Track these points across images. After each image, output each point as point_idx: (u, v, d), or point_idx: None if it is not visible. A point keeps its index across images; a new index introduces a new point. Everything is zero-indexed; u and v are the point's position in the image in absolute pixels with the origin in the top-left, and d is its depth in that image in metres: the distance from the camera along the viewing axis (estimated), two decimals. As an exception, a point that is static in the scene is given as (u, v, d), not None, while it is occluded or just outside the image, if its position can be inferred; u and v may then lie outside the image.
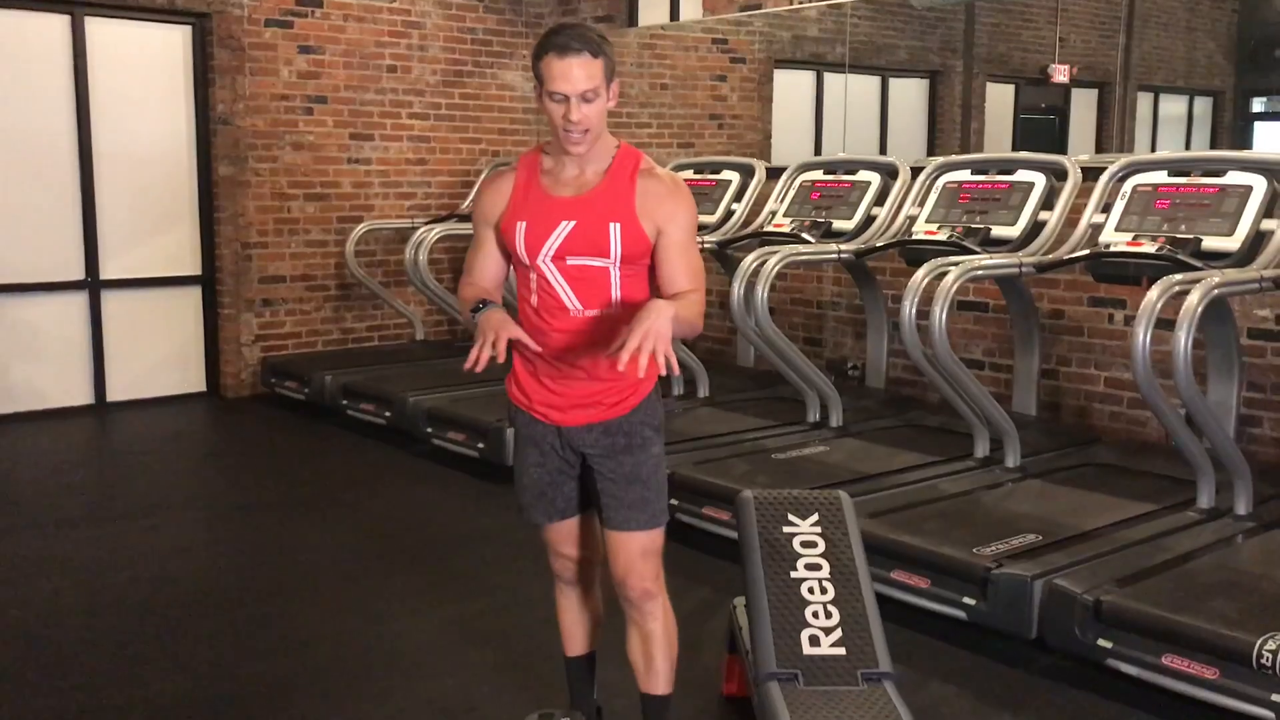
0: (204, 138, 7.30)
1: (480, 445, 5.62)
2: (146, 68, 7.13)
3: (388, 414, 6.34)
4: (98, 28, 6.91)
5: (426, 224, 7.47)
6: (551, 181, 2.58)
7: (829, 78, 10.58)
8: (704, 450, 5.05)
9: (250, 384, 7.49)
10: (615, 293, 2.55)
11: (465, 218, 7.68)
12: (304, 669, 3.54)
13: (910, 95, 11.49)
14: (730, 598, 3.34)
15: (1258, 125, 15.74)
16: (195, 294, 7.44)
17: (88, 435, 6.72)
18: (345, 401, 6.66)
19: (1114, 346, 5.54)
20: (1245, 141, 15.16)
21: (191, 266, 7.40)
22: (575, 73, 2.41)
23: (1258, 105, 15.76)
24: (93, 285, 7.04)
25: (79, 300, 7.02)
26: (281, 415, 7.04)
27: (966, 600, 3.64)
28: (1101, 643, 3.32)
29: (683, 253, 2.54)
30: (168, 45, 7.18)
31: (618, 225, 2.51)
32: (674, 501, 4.62)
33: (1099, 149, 12.82)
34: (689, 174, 6.59)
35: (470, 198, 7.95)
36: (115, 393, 7.18)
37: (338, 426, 6.67)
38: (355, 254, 7.66)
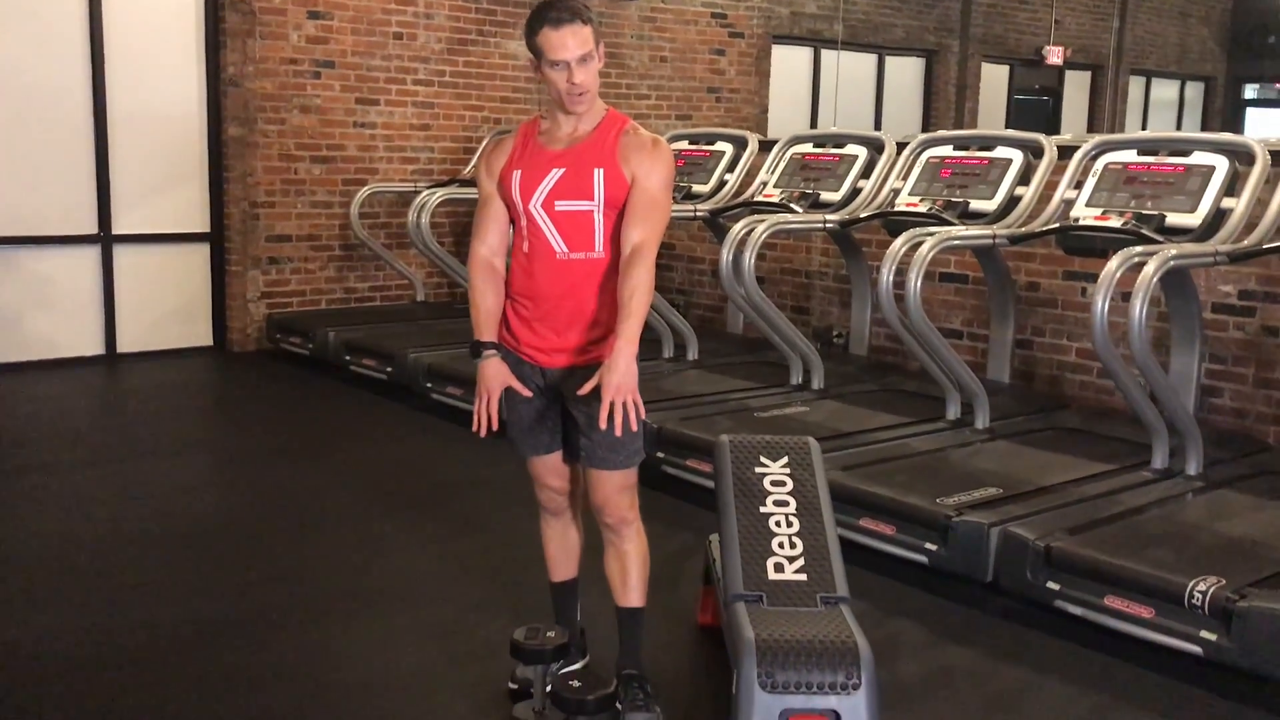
0: (214, 99, 7.51)
1: (477, 400, 5.86)
2: (160, 29, 7.33)
3: (389, 369, 6.58)
4: (113, -11, 7.12)
5: (429, 188, 7.69)
6: (547, 139, 2.87)
7: (826, 54, 10.80)
8: (690, 408, 5.30)
9: (255, 339, 7.73)
10: (598, 236, 2.81)
11: (467, 183, 7.91)
12: (311, 594, 3.80)
13: (906, 74, 11.73)
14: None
15: (1249, 111, 16.01)
16: (204, 251, 7.67)
17: (98, 384, 6.96)
18: (348, 357, 6.90)
19: (1086, 319, 5.77)
20: (1236, 127, 15.39)
21: (201, 224, 7.63)
22: (570, 40, 2.68)
23: (1249, 92, 16.01)
24: (105, 240, 7.27)
25: (92, 254, 7.26)
26: (285, 369, 7.28)
27: (928, 546, 3.90)
28: (1050, 585, 3.59)
29: (649, 204, 2.78)
30: (181, 7, 7.39)
31: (601, 170, 2.79)
32: (660, 454, 4.90)
33: (1090, 131, 13.05)
34: (684, 144, 6.81)
35: (471, 164, 8.17)
36: (125, 344, 7.42)
37: (340, 381, 6.92)
38: (359, 216, 7.88)
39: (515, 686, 3.09)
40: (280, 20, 7.58)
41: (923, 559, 3.93)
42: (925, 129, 11.56)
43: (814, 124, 10.61)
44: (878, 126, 11.23)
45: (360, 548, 4.24)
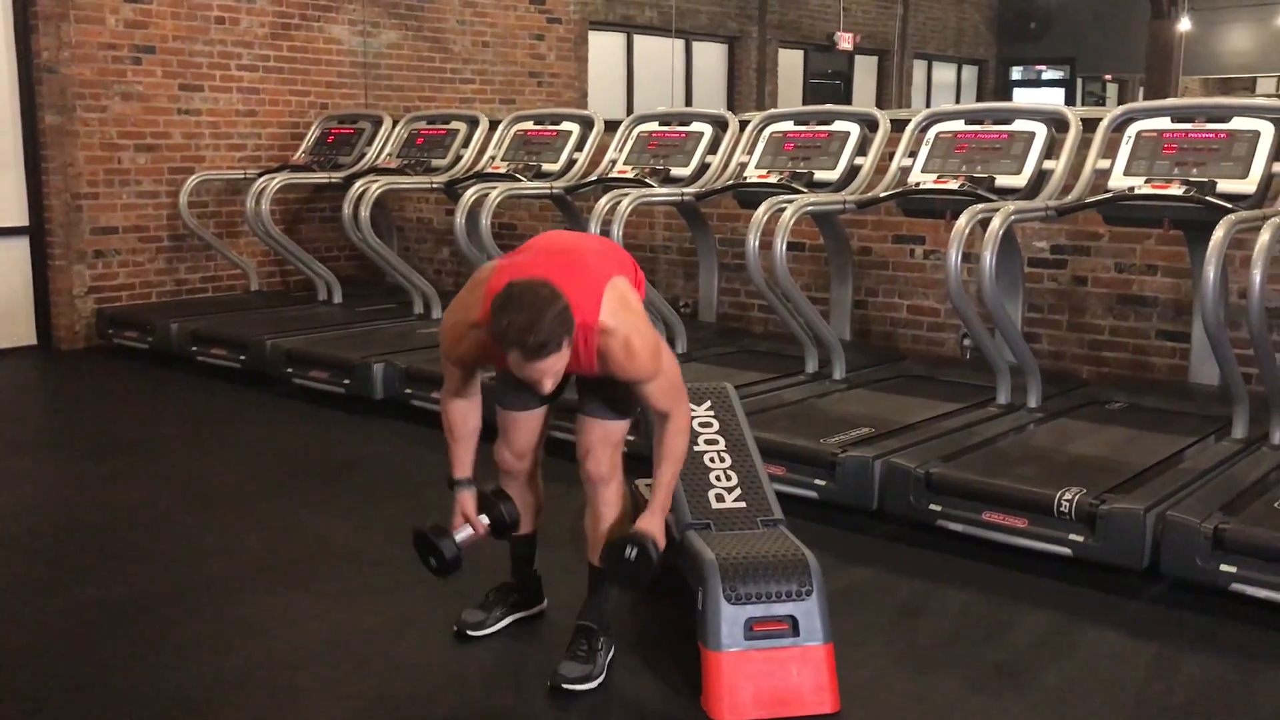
0: (28, 86, 7.17)
1: (346, 381, 5.89)
2: (-35, 12, 6.96)
3: (242, 357, 6.48)
4: (-88, -31, 6.70)
5: (260, 174, 7.58)
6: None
7: (638, 40, 11.15)
8: (566, 375, 5.49)
9: (85, 336, 7.44)
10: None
11: (298, 168, 7.84)
12: (241, 567, 3.80)
13: (711, 59, 12.23)
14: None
15: (1016, 91, 17.41)
16: (23, 245, 7.32)
17: (-82, 389, 6.57)
18: (194, 347, 6.74)
19: (915, 278, 6.30)
20: (1004, 107, 16.65)
21: (19, 217, 7.27)
22: (541, 366, 2.63)
23: (1016, 73, 17.41)
24: (-86, 236, 6.86)
25: (-100, 252, 6.83)
26: (123, 364, 7.04)
27: (818, 482, 4.25)
28: (932, 507, 3.99)
29: (657, 392, 2.85)
30: (-13, -10, 7.03)
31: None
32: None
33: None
34: (530, 124, 6.98)
35: (301, 150, 8.09)
36: (-59, 347, 7.03)
37: (186, 373, 6.75)
38: (188, 205, 7.68)
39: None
40: (96, 4, 7.30)
41: (813, 494, 4.27)
42: (730, 109, 12.09)
43: (630, 107, 10.93)
44: (688, 106, 11.65)
45: (270, 524, 4.24)
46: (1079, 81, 17.60)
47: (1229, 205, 4.29)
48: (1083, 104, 17.39)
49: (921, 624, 3.47)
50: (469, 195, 6.11)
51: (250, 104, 8.15)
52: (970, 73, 16.12)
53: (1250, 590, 3.39)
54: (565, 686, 2.94)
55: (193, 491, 4.65)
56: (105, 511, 4.45)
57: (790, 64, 13.29)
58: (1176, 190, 4.52)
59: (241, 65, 8.07)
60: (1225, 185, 4.47)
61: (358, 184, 6.79)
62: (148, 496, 4.61)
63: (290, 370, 6.21)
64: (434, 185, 7.05)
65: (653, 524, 2.90)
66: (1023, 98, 16.89)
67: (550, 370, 2.66)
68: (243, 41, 8.05)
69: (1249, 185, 4.42)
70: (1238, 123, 4.61)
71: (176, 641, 3.27)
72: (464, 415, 3.06)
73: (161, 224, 7.79)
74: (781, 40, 13.05)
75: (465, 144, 7.31)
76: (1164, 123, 4.78)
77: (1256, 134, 4.51)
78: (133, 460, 5.13)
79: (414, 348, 6.06)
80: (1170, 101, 4.95)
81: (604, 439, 3.02)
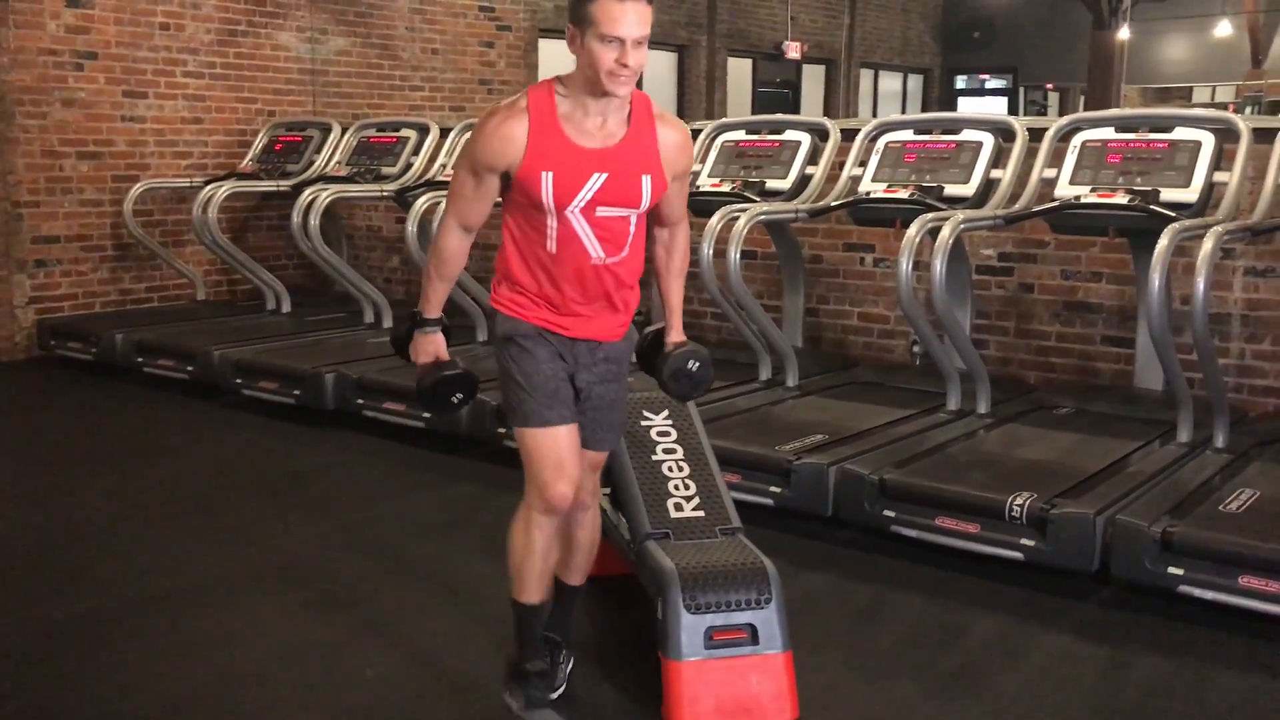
0: (-34, 92, 7.04)
1: (296, 392, 5.83)
2: (-100, 17, 6.80)
3: (190, 368, 6.38)
4: None
5: (206, 183, 7.48)
6: (574, 130, 2.57)
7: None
8: (520, 384, 5.47)
9: (26, 347, 7.30)
10: (630, 238, 2.69)
11: (245, 176, 7.75)
12: (198, 580, 3.75)
13: (661, 66, 12.26)
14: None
15: (960, 100, 17.65)
16: (-39, 255, 7.18)
17: None
18: (140, 358, 6.64)
19: (865, 286, 6.36)
20: (949, 115, 16.91)
21: (-44, 226, 7.13)
22: (632, 15, 2.45)
23: (960, 82, 17.65)
24: None
25: None
26: (67, 376, 6.92)
27: (773, 489, 4.27)
28: (886, 513, 4.02)
29: (681, 193, 2.82)
30: (-77, -6, 6.88)
31: (649, 177, 2.61)
32: (500, 430, 5.06)
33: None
34: (481, 133, 6.94)
35: (253, 152, 7.99)
36: (-124, 359, 6.86)
37: (132, 384, 6.65)
38: (133, 213, 7.57)
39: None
40: (36, 8, 7.18)
41: (768, 501, 4.29)
42: (680, 118, 12.14)
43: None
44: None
45: (221, 538, 4.19)
46: (1021, 90, 17.89)
47: (1172, 214, 4.37)
48: (1025, 113, 17.67)
49: (878, 630, 3.50)
50: (421, 203, 6.07)
51: (196, 111, 8.05)
52: (916, 81, 16.32)
53: (1197, 592, 3.45)
54: (525, 698, 2.92)
55: (141, 506, 4.58)
56: (51, 527, 4.36)
57: (739, 72, 13.37)
58: (1121, 199, 4.60)
59: (187, 72, 7.97)
60: (1169, 194, 4.55)
61: (307, 192, 6.72)
62: (94, 511, 4.53)
63: (239, 381, 6.13)
64: (384, 193, 7.00)
65: (683, 336, 2.97)
66: (967, 106, 17.12)
67: (635, 20, 2.46)
68: (188, 48, 7.95)
69: (1191, 194, 4.51)
70: (1180, 133, 4.70)
71: (128, 660, 3.22)
72: (459, 251, 2.80)
73: (105, 233, 7.67)
74: (730, 49, 13.12)
75: (415, 151, 7.27)
76: (1108, 132, 4.87)
77: (1198, 144, 4.60)
78: (78, 475, 5.04)
79: (365, 357, 6.01)
80: (1114, 111, 5.05)
81: (597, 465, 2.92)
